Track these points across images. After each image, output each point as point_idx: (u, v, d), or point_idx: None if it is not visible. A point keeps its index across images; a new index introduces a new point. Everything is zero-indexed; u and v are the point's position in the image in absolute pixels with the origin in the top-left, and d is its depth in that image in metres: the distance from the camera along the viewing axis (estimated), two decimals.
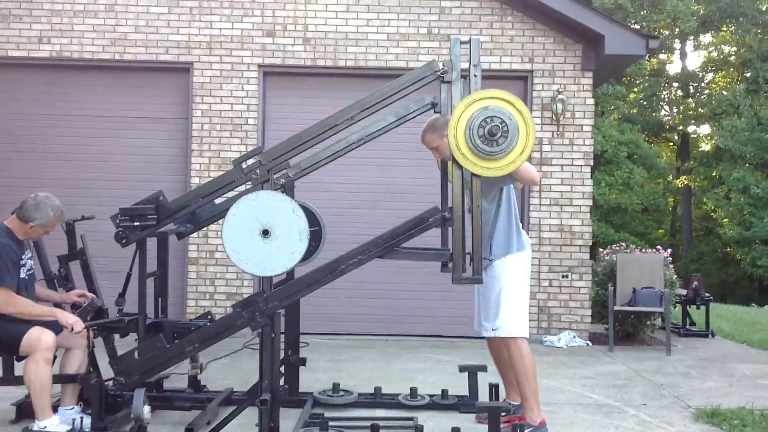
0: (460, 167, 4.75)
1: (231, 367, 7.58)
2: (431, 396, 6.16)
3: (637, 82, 31.82)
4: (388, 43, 9.79)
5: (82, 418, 5.10)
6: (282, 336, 5.51)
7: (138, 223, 4.98)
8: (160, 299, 5.77)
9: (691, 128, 34.02)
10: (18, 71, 9.95)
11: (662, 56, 33.92)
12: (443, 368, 7.79)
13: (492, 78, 8.76)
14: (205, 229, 9.03)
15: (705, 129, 33.96)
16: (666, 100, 34.82)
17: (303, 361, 6.26)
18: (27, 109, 9.92)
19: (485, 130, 4.57)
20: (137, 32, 9.77)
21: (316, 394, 6.13)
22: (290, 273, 5.56)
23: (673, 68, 34.92)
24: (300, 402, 5.96)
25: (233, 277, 9.64)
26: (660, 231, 33.70)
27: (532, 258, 6.39)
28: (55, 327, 5.02)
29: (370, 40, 9.79)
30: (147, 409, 4.77)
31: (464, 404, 6.00)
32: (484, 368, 6.15)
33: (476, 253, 4.83)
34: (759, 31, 30.37)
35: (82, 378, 5.16)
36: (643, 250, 10.76)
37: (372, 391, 6.21)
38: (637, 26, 27.36)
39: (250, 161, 4.97)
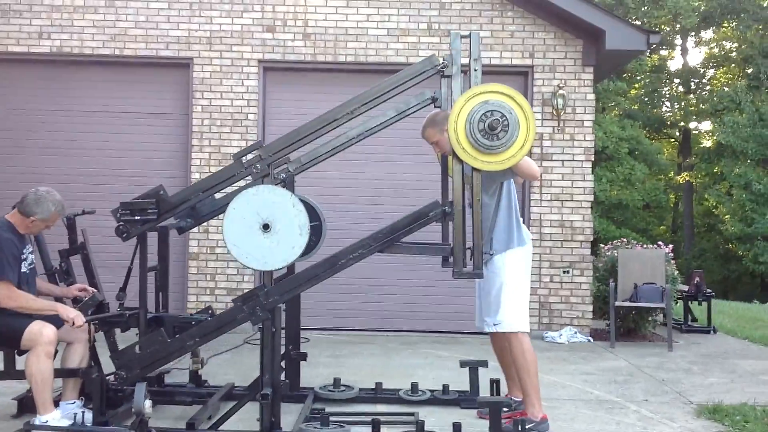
0: (461, 161, 4.73)
1: (232, 362, 7.58)
2: (432, 391, 6.14)
3: (638, 78, 31.82)
4: (388, 39, 9.79)
5: (83, 412, 5.09)
6: (283, 331, 5.52)
7: (138, 218, 4.98)
8: (160, 294, 5.77)
9: (692, 124, 34.02)
10: (18, 67, 9.96)
11: (663, 52, 33.92)
12: (444, 364, 7.79)
13: (492, 73, 8.76)
14: (205, 224, 9.04)
15: (706, 125, 33.97)
16: (667, 96, 34.81)
17: (304, 356, 6.25)
18: (27, 104, 9.92)
19: (485, 124, 4.56)
20: (137, 28, 9.77)
21: (317, 389, 6.12)
22: (291, 268, 5.58)
23: (674, 64, 34.98)
24: (301, 397, 5.95)
25: (234, 272, 9.64)
26: (661, 227, 33.71)
27: (533, 254, 6.39)
28: (56, 321, 5.01)
29: (370, 36, 9.78)
30: (148, 403, 4.76)
31: (465, 399, 5.98)
32: (485, 363, 6.14)
33: (477, 247, 4.82)
34: (760, 27, 30.33)
35: (83, 372, 5.15)
36: (645, 246, 10.77)
37: (373, 387, 6.21)
38: (638, 22, 27.31)
39: (250, 156, 4.96)
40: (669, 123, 34.17)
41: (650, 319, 10.00)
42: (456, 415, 5.54)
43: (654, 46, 22.47)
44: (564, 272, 9.67)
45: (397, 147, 9.57)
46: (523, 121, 4.61)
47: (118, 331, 5.40)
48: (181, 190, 5.25)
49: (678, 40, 34.08)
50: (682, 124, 33.64)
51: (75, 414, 5.06)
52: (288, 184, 5.06)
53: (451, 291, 9.47)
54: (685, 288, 10.91)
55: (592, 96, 9.86)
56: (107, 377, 5.23)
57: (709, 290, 10.83)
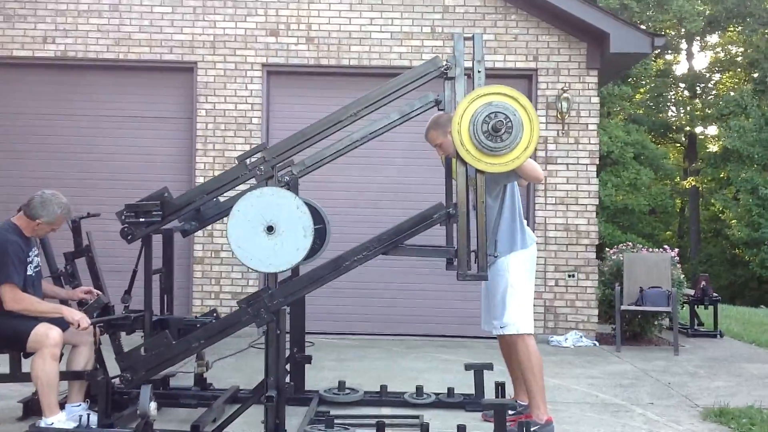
0: (464, 163, 4.73)
1: (237, 366, 7.58)
2: (437, 394, 6.14)
3: (644, 82, 31.80)
4: (391, 42, 9.79)
5: (88, 414, 5.11)
6: (287, 335, 5.52)
7: (143, 220, 4.99)
8: (165, 296, 5.77)
9: (698, 129, 33.93)
10: (23, 71, 9.98)
11: (668, 57, 33.90)
12: (449, 367, 7.77)
13: (496, 77, 8.78)
14: (210, 228, 9.08)
15: (712, 130, 33.91)
16: (673, 100, 34.74)
17: (308, 359, 6.24)
18: (32, 108, 9.95)
19: (489, 126, 4.56)
20: (141, 32, 9.79)
21: (321, 392, 6.12)
22: (295, 270, 5.58)
23: (680, 69, 34.89)
24: (306, 400, 5.95)
25: (238, 276, 9.65)
26: (668, 233, 33.64)
27: (538, 257, 6.38)
28: (62, 324, 5.02)
29: (373, 39, 9.79)
30: (153, 405, 4.76)
31: (470, 402, 5.98)
32: (490, 366, 6.13)
33: (481, 249, 4.81)
34: (766, 31, 30.28)
35: (88, 375, 5.16)
36: (650, 250, 10.73)
37: (378, 390, 6.20)
38: (643, 27, 27.29)
39: (254, 158, 4.96)
40: (674, 128, 34.12)
41: (656, 323, 9.97)
42: (461, 418, 5.54)
43: (659, 49, 22.48)
44: (569, 276, 9.65)
45: (401, 150, 9.58)
46: (527, 123, 4.61)
47: (123, 333, 5.40)
48: (186, 192, 5.25)
49: (683, 45, 34.05)
50: (687, 128, 33.56)
51: (80, 416, 5.08)
52: (292, 186, 5.07)
53: (456, 295, 9.48)
54: (691, 292, 10.88)
55: (596, 99, 9.84)
56: (112, 380, 5.23)
57: (715, 294, 10.79)
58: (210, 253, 9.69)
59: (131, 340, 5.34)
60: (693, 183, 32.93)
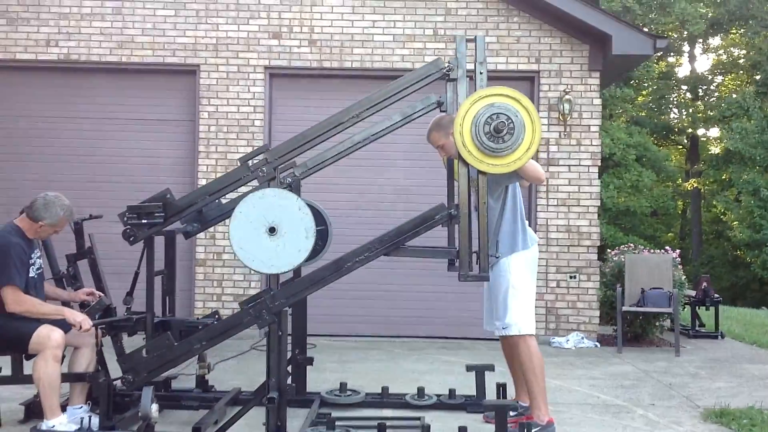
0: (466, 165, 4.74)
1: (238, 368, 7.58)
2: (438, 396, 6.15)
3: (646, 84, 31.80)
4: (394, 45, 9.81)
5: (90, 417, 5.11)
6: (289, 337, 5.53)
7: (145, 221, 5.00)
8: (167, 298, 5.78)
9: (700, 131, 33.94)
10: (26, 74, 10.01)
11: (671, 59, 33.91)
12: (450, 369, 7.78)
13: (499, 79, 8.78)
14: (212, 230, 9.10)
15: (714, 132, 33.90)
16: (675, 102, 34.75)
17: (310, 361, 6.25)
18: (35, 111, 9.97)
19: (491, 127, 4.57)
20: (144, 35, 9.81)
21: (323, 394, 6.13)
22: (297, 271, 5.58)
23: (682, 71, 34.92)
24: (307, 402, 5.96)
25: (240, 278, 9.66)
26: (669, 234, 33.63)
27: (540, 259, 6.39)
28: (64, 326, 5.04)
29: (375, 42, 9.81)
30: (155, 407, 4.77)
31: (472, 404, 5.98)
32: (491, 368, 6.14)
33: (483, 250, 4.82)
34: None
35: (90, 377, 5.17)
36: (652, 251, 10.73)
37: (379, 391, 6.20)
38: (645, 29, 27.30)
39: (257, 159, 4.97)
40: (677, 130, 34.13)
41: (657, 324, 9.99)
42: (462, 420, 5.54)
43: (661, 51, 22.45)
44: (571, 277, 9.65)
45: (403, 152, 9.60)
46: (528, 124, 4.62)
47: (125, 335, 5.41)
48: (188, 193, 5.26)
49: (686, 47, 34.07)
50: (689, 130, 33.57)
51: (82, 418, 5.09)
52: (294, 188, 5.08)
53: (457, 297, 9.49)
54: (693, 293, 10.88)
55: (598, 101, 9.85)
56: (114, 382, 5.24)
57: (716, 295, 10.79)
58: (212, 255, 9.70)
59: (133, 342, 5.35)
60: (695, 185, 32.92)
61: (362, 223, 9.42)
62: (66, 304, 5.48)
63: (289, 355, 5.82)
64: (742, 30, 32.33)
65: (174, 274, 5.86)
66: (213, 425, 5.14)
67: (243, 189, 5.38)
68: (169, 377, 6.04)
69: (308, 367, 6.26)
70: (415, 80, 5.01)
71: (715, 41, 34.66)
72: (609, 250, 11.14)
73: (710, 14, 31.75)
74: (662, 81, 32.58)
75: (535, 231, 9.21)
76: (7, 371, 5.25)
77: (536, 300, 5.65)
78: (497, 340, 5.95)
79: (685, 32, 31.65)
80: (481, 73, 4.88)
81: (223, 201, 5.63)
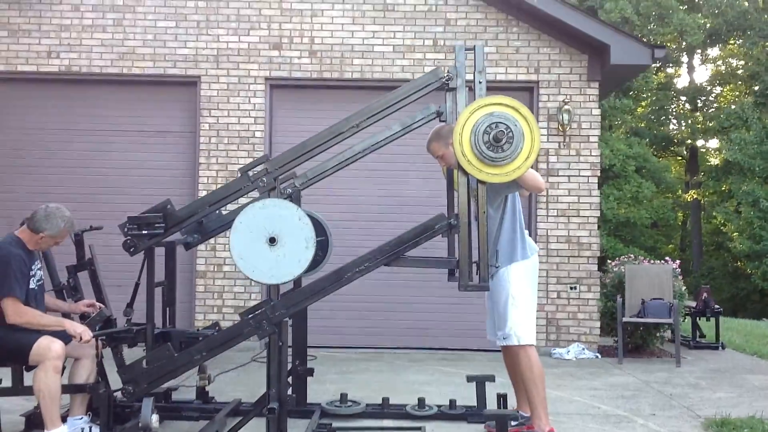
0: (466, 174, 4.75)
1: (239, 380, 7.58)
2: (439, 406, 6.14)
3: (645, 96, 31.85)
4: (393, 55, 9.84)
5: (90, 427, 5.12)
6: (289, 348, 5.53)
7: (146, 232, 5.00)
8: (168, 309, 5.78)
9: (699, 142, 33.98)
10: (27, 86, 10.04)
11: (669, 70, 33.96)
12: (451, 380, 7.77)
13: (498, 89, 8.78)
14: (212, 242, 9.12)
15: (713, 143, 33.95)
16: (674, 114, 34.79)
17: (311, 372, 6.25)
18: (36, 123, 10.00)
19: (490, 136, 4.57)
20: (145, 46, 9.84)
21: (324, 405, 6.12)
22: (297, 282, 5.58)
23: (681, 82, 34.97)
24: (308, 412, 5.95)
25: (241, 290, 9.65)
26: (670, 246, 33.62)
27: (540, 269, 6.38)
28: (64, 337, 5.03)
29: (375, 52, 9.83)
30: (155, 418, 4.78)
31: (472, 414, 5.98)
32: (492, 378, 6.13)
33: (483, 260, 4.83)
34: (766, 44, 30.34)
35: (91, 388, 5.17)
36: (652, 262, 10.74)
37: (380, 402, 6.20)
38: (644, 40, 27.33)
39: (257, 169, 4.98)
40: (676, 141, 34.16)
41: (658, 335, 9.99)
42: (463, 430, 5.56)
43: (659, 61, 22.50)
44: (571, 288, 9.65)
45: (403, 164, 9.62)
46: (527, 133, 4.63)
47: (125, 346, 5.41)
48: (189, 204, 5.26)
49: (684, 58, 34.13)
50: (689, 141, 33.60)
51: (82, 429, 5.10)
52: (294, 198, 5.08)
53: (458, 308, 9.48)
54: (693, 304, 10.87)
55: (597, 111, 9.87)
56: (114, 393, 5.24)
57: (717, 306, 10.78)
58: (213, 267, 9.70)
59: (134, 354, 5.35)
60: (695, 196, 32.94)
61: (362, 233, 9.41)
62: (66, 315, 5.49)
63: (289, 366, 5.83)
64: (740, 41, 32.39)
65: (174, 285, 5.86)
66: None
67: (243, 200, 5.39)
68: (169, 388, 6.04)
69: (309, 378, 6.26)
70: (415, 90, 5.02)
71: (714, 52, 34.73)
72: (609, 261, 11.14)
73: (708, 25, 31.80)
74: (661, 92, 32.62)
75: (535, 242, 9.21)
76: (7, 383, 5.23)
77: (537, 311, 5.63)
78: (498, 351, 5.95)
79: (684, 43, 31.73)
80: (480, 82, 4.88)
81: (224, 212, 5.64)
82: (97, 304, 5.51)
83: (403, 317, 9.80)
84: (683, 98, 34.45)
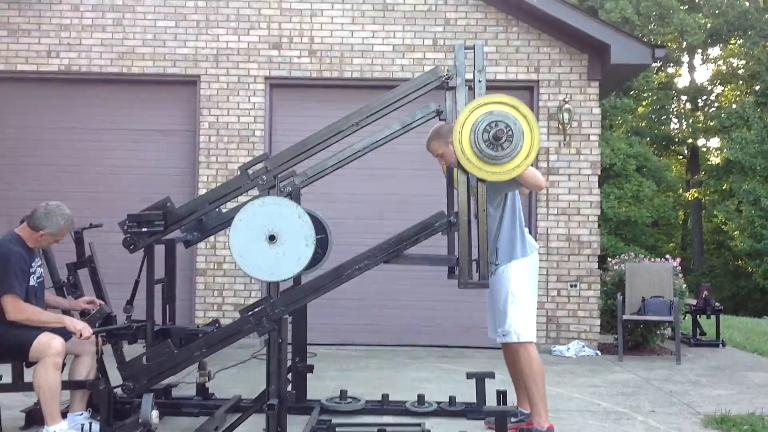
0: (466, 172, 4.76)
1: (239, 377, 7.59)
2: (439, 403, 6.16)
3: (646, 95, 31.85)
4: (393, 55, 9.85)
5: (90, 423, 5.13)
6: (289, 346, 5.54)
7: (146, 229, 5.01)
8: (168, 306, 5.79)
9: (700, 141, 33.99)
10: (27, 85, 10.05)
11: (670, 70, 33.98)
12: (451, 377, 7.79)
13: (498, 88, 8.79)
14: (212, 240, 9.13)
15: (714, 142, 33.96)
16: (675, 113, 34.80)
17: (310, 369, 6.27)
18: (36, 122, 10.01)
19: (490, 135, 4.58)
20: (145, 46, 9.85)
21: (323, 401, 6.13)
22: (297, 280, 5.60)
23: (682, 81, 34.98)
24: (308, 409, 5.97)
25: (241, 288, 9.67)
26: (671, 245, 33.62)
27: (540, 267, 6.39)
28: (64, 334, 5.05)
29: (375, 52, 9.84)
30: (155, 414, 4.79)
31: (472, 411, 5.99)
32: (491, 375, 6.14)
33: (482, 258, 4.84)
34: (767, 43, 30.34)
35: (91, 384, 5.19)
36: (652, 260, 10.74)
37: (380, 399, 6.21)
38: (644, 39, 27.32)
39: (257, 167, 4.99)
40: (677, 140, 34.16)
41: (658, 332, 9.99)
42: (462, 426, 5.56)
43: (659, 61, 22.48)
44: (571, 286, 9.66)
45: (403, 163, 9.61)
46: (527, 131, 4.64)
47: (125, 343, 5.42)
48: (188, 202, 5.26)
49: (685, 58, 34.14)
50: (690, 140, 33.61)
51: (82, 425, 5.11)
52: (294, 197, 5.09)
53: (458, 306, 9.48)
54: (694, 302, 10.88)
55: (597, 110, 9.88)
56: (114, 389, 5.26)
57: (717, 304, 10.78)
58: (213, 265, 9.71)
59: (134, 351, 5.36)
60: (695, 195, 32.97)
61: (362, 232, 9.41)
62: (66, 312, 5.51)
63: (289, 363, 5.84)
64: (741, 40, 32.40)
65: (174, 282, 5.87)
66: (213, 431, 5.16)
67: (243, 198, 5.40)
68: (169, 385, 6.05)
69: (309, 375, 6.29)
70: (414, 88, 5.03)
71: (715, 52, 34.74)
72: (609, 259, 11.15)
73: (709, 25, 31.82)
74: (662, 91, 32.63)
75: (536, 240, 9.23)
76: (7, 379, 5.24)
77: (537, 308, 5.64)
78: (498, 348, 5.96)
79: (685, 43, 31.74)
80: (480, 81, 4.89)
81: (224, 210, 5.66)
82: (97, 301, 5.53)
83: (403, 314, 9.81)
84: (684, 98, 34.46)
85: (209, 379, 6.18)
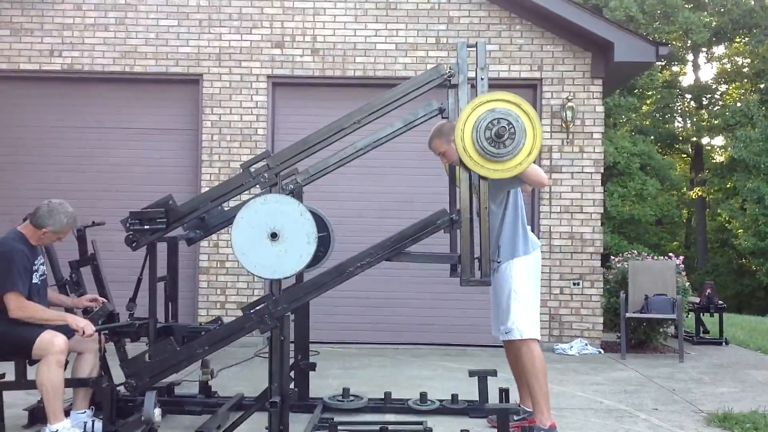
0: (468, 170, 4.76)
1: (242, 375, 7.61)
2: (441, 401, 6.16)
3: (650, 93, 31.80)
4: (396, 53, 9.85)
5: (93, 421, 5.13)
6: (291, 344, 5.55)
7: (148, 227, 5.01)
8: (170, 304, 5.80)
9: (704, 139, 33.93)
10: (30, 84, 10.06)
11: (675, 68, 33.93)
12: (453, 375, 7.78)
13: (501, 86, 8.79)
14: (215, 238, 9.15)
15: (719, 140, 33.90)
16: (679, 111, 34.75)
17: (313, 367, 6.27)
18: (39, 121, 10.02)
19: (492, 132, 4.59)
20: (147, 45, 9.86)
21: (326, 399, 6.13)
22: (299, 277, 5.61)
23: (686, 80, 34.91)
24: (310, 407, 5.98)
25: (244, 286, 9.68)
26: (674, 243, 33.56)
27: (543, 266, 6.39)
28: (67, 331, 5.05)
29: (378, 50, 9.84)
30: (158, 411, 4.80)
31: (474, 409, 5.99)
32: (493, 373, 6.14)
33: (484, 256, 4.84)
34: None
35: (93, 382, 5.19)
36: (655, 258, 10.74)
37: (382, 397, 6.22)
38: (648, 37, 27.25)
39: (259, 165, 4.99)
40: (681, 138, 34.11)
41: (661, 330, 9.98)
42: (465, 424, 5.55)
43: (663, 58, 22.44)
44: (574, 284, 9.65)
45: (405, 161, 9.61)
46: (529, 129, 4.64)
47: (128, 341, 5.42)
48: (190, 199, 5.26)
49: (690, 56, 34.09)
50: (694, 139, 33.56)
51: (85, 423, 5.11)
52: (296, 195, 5.09)
53: (460, 304, 9.48)
54: (697, 300, 10.87)
55: (601, 108, 9.87)
56: (117, 387, 5.27)
57: (720, 302, 10.77)
58: (215, 264, 9.72)
59: (136, 348, 5.37)
60: (699, 193, 32.91)
61: (364, 230, 9.41)
62: (69, 310, 5.51)
63: (292, 361, 5.85)
64: (746, 39, 32.35)
65: (176, 280, 5.89)
66: (216, 429, 5.15)
67: (244, 196, 5.40)
68: (172, 383, 6.07)
69: (311, 373, 6.29)
70: (417, 86, 5.03)
71: (719, 50, 34.69)
72: (612, 257, 11.14)
73: (714, 23, 31.76)
74: (666, 90, 32.57)
75: (539, 238, 9.22)
76: (11, 377, 5.26)
77: (540, 306, 5.64)
78: (500, 347, 5.97)
79: (689, 41, 31.67)
80: (482, 78, 4.89)
81: (226, 208, 5.66)
82: (100, 298, 5.54)
83: (405, 313, 9.82)
84: (688, 96, 34.40)
85: (212, 378, 6.19)
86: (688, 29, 29.54)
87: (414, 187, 9.75)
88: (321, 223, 5.87)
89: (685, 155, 35.84)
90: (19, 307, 4.97)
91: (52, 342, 4.92)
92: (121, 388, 5.26)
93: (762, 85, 30.28)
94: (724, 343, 10.41)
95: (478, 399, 6.06)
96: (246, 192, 5.30)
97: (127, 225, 5.03)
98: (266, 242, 4.66)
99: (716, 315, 10.72)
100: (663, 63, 30.85)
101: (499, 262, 5.39)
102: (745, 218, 27.08)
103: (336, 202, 9.27)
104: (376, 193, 9.88)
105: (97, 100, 10.06)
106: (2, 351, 5.11)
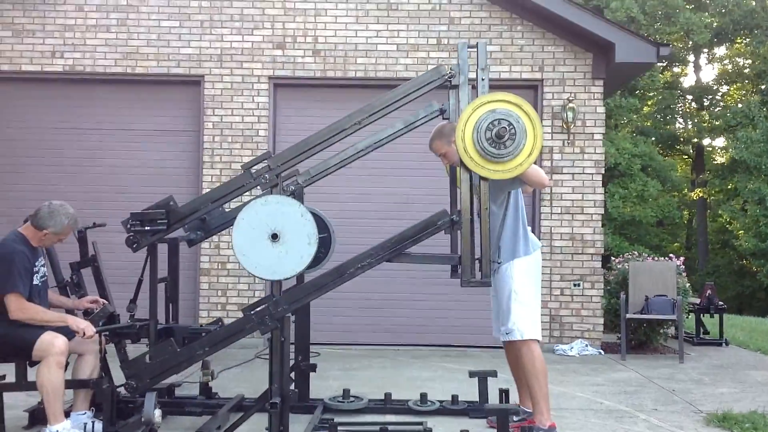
0: (468, 171, 4.77)
1: (243, 376, 7.61)
2: (441, 401, 6.16)
3: (651, 95, 31.79)
4: (397, 54, 9.85)
5: (93, 422, 5.14)
6: (292, 345, 5.55)
7: (149, 228, 5.02)
8: (171, 305, 5.80)
9: (705, 141, 33.91)
10: (31, 85, 10.07)
11: (676, 69, 33.90)
12: (453, 376, 7.79)
13: (502, 87, 8.79)
14: (216, 239, 9.15)
15: (720, 141, 33.88)
16: (680, 112, 34.72)
17: (313, 368, 6.27)
18: (40, 122, 10.03)
19: (493, 133, 4.60)
20: (149, 46, 9.87)
21: (326, 400, 6.14)
22: (300, 278, 5.61)
23: (687, 81, 34.88)
24: (310, 408, 5.98)
25: (245, 287, 9.68)
26: (675, 244, 33.54)
27: (544, 266, 6.39)
28: (68, 333, 5.06)
29: (379, 51, 9.85)
30: (158, 412, 4.80)
31: (474, 409, 5.99)
32: (494, 374, 6.14)
33: (485, 256, 4.84)
34: None
35: (94, 383, 5.20)
36: (655, 259, 10.74)
37: (382, 398, 6.22)
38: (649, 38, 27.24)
39: (260, 166, 5.00)
40: (682, 139, 34.08)
41: (661, 331, 9.99)
42: (465, 425, 5.55)
43: (664, 59, 22.43)
44: (575, 285, 9.66)
45: (406, 162, 9.62)
46: (530, 130, 4.65)
47: (128, 342, 5.43)
48: (191, 200, 5.27)
49: (691, 57, 34.06)
50: (695, 140, 33.55)
51: (85, 424, 5.11)
52: (297, 196, 5.10)
53: (461, 305, 9.49)
54: (697, 301, 10.87)
55: (602, 109, 9.87)
56: (118, 388, 5.27)
57: (720, 303, 10.77)
58: (216, 265, 9.73)
59: (137, 350, 5.38)
60: (700, 194, 32.88)
61: (365, 231, 9.41)
62: (70, 311, 5.52)
63: (292, 362, 5.85)
64: (747, 40, 32.32)
65: (177, 281, 5.89)
66: (216, 430, 5.16)
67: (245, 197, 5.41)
68: (172, 384, 6.07)
69: (312, 375, 6.29)
70: (417, 87, 5.04)
71: (720, 51, 34.66)
72: (613, 258, 11.15)
73: (715, 24, 31.74)
74: (667, 91, 32.54)
75: (539, 239, 9.23)
76: (11, 378, 5.27)
77: (540, 307, 5.64)
78: (500, 348, 5.97)
79: (690, 42, 31.65)
80: (483, 79, 4.90)
81: (227, 209, 5.67)
82: (101, 300, 5.54)
83: (405, 314, 9.82)
84: (689, 97, 34.37)
85: (212, 379, 6.19)
86: (689, 30, 29.52)
87: (415, 188, 9.76)
88: (322, 224, 5.88)
89: (686, 156, 35.82)
90: (20, 308, 4.98)
91: (52, 343, 4.93)
92: (122, 390, 5.27)
93: (763, 86, 30.25)
94: (724, 344, 10.42)
95: (478, 400, 6.06)
96: (247, 193, 5.31)
97: (128, 226, 5.04)
98: (267, 243, 4.67)
99: (716, 316, 10.72)
100: (664, 64, 30.83)
101: (499, 263, 5.40)
102: (746, 219, 27.07)
103: (337, 203, 9.28)
104: (377, 194, 9.88)
105: (99, 101, 10.07)
106: (3, 352, 5.12)
